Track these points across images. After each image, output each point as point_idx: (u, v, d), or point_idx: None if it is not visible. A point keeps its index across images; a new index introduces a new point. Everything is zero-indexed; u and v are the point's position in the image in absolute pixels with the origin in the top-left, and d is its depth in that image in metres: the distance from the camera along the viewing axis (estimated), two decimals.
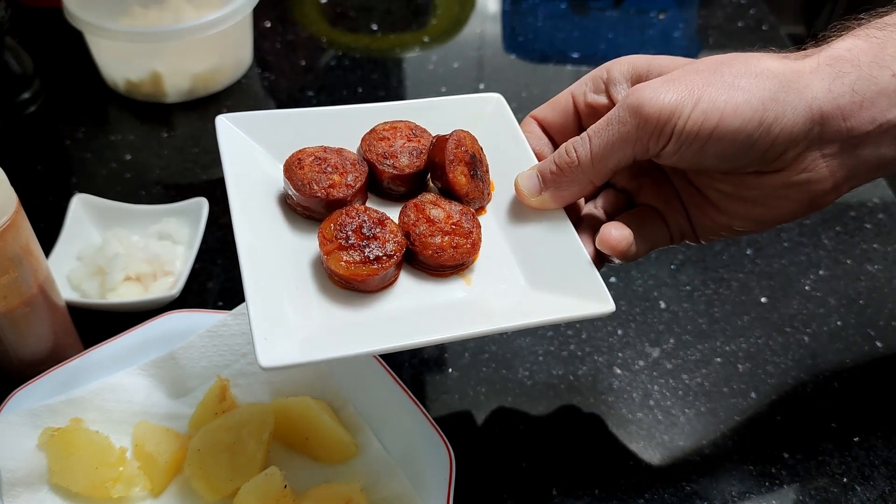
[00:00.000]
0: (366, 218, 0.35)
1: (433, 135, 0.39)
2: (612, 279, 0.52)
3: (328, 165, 0.37)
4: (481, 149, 0.39)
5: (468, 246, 0.35)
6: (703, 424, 0.44)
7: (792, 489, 0.41)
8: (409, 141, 0.38)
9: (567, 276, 0.35)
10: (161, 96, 0.65)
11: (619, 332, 0.49)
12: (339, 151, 0.38)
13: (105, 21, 0.61)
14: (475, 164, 0.38)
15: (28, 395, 0.40)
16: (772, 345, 0.48)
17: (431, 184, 0.39)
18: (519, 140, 0.39)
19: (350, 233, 0.34)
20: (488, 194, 0.39)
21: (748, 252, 0.55)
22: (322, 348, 0.30)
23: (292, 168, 0.36)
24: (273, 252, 0.34)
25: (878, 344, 0.49)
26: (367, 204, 0.38)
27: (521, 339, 0.48)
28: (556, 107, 0.40)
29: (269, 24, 0.77)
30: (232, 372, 0.42)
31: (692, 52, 0.76)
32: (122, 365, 0.42)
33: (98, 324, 0.45)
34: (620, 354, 0.48)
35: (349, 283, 0.34)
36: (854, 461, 0.42)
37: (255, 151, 0.38)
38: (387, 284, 0.34)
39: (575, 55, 0.75)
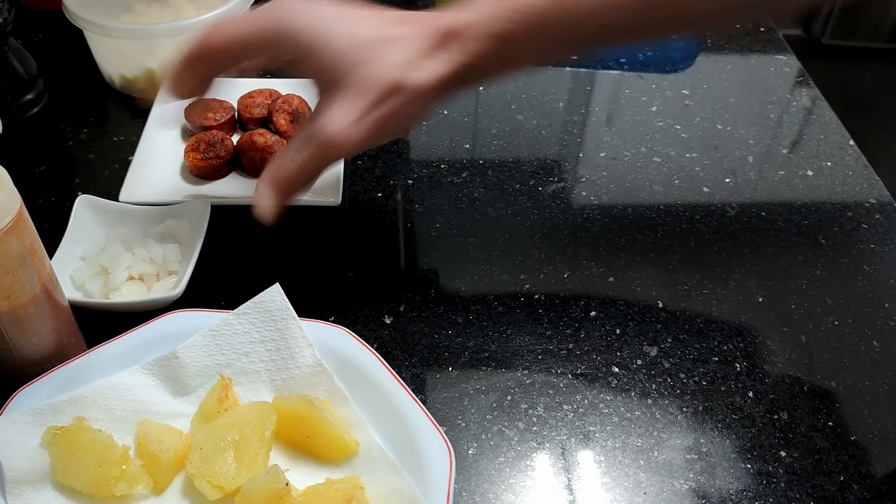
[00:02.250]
0: (212, 136, 0.57)
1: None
2: (610, 279, 0.53)
3: (207, 108, 0.60)
4: (309, 108, 0.60)
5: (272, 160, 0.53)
6: (700, 423, 0.45)
7: (789, 487, 0.42)
8: (265, 100, 0.61)
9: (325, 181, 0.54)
10: (155, 93, 0.65)
11: (618, 331, 0.49)
12: (221, 102, 0.61)
13: (104, 19, 0.61)
14: (296, 114, 0.60)
15: (31, 394, 0.40)
16: (769, 344, 0.49)
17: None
18: None
19: (200, 143, 0.57)
20: None
21: (745, 252, 0.55)
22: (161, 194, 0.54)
23: (188, 108, 0.60)
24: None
25: (875, 343, 0.49)
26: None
27: (520, 339, 0.49)
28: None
29: None
30: (234, 371, 0.43)
31: (690, 52, 0.76)
32: (125, 364, 0.42)
33: (101, 323, 0.45)
34: (619, 353, 0.48)
35: (195, 170, 0.57)
36: (851, 460, 0.43)
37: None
38: (219, 176, 0.58)
39: (573, 57, 0.75)
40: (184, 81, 0.44)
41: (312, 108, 0.58)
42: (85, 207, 0.52)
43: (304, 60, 0.42)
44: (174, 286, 0.48)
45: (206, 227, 0.51)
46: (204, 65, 0.43)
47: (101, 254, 0.50)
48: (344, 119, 0.40)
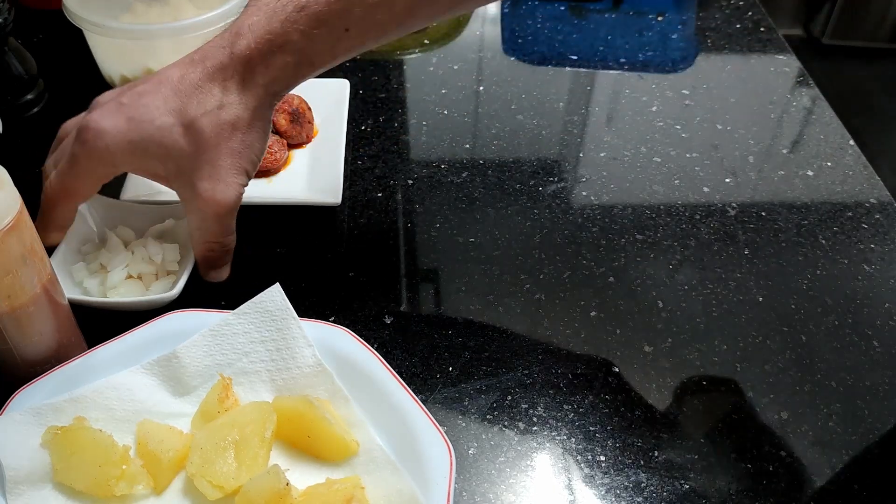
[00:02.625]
0: None
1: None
2: (611, 279, 0.53)
3: None
4: (309, 108, 0.62)
5: (272, 160, 0.58)
6: (700, 423, 0.44)
7: (790, 487, 0.41)
8: None
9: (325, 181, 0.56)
10: None
11: (618, 331, 0.49)
12: None
13: (105, 18, 0.61)
14: (296, 114, 0.60)
15: (32, 394, 0.40)
16: (769, 344, 0.49)
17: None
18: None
19: None
20: (308, 136, 0.62)
21: (745, 252, 0.55)
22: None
23: None
24: None
25: (875, 343, 0.49)
26: None
27: (520, 339, 0.49)
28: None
29: None
30: (234, 371, 0.43)
31: (690, 52, 0.76)
32: (126, 364, 0.42)
33: (101, 323, 0.46)
34: (619, 353, 0.48)
35: None
36: (852, 460, 0.43)
37: None
38: None
39: (574, 57, 0.75)
40: (52, 231, 0.47)
41: (311, 110, 0.63)
42: (85, 205, 0.52)
43: (142, 163, 0.44)
44: (172, 286, 0.48)
45: None
46: (62, 214, 0.47)
47: (100, 252, 0.50)
48: (213, 185, 0.44)
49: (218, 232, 0.46)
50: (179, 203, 0.52)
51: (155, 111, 0.43)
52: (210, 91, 0.43)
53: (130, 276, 0.49)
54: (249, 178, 0.46)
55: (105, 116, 0.43)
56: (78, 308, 0.45)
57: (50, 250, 0.46)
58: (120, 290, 0.48)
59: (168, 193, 0.55)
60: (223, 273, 0.49)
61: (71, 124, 0.49)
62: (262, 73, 0.43)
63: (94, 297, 0.48)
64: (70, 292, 0.46)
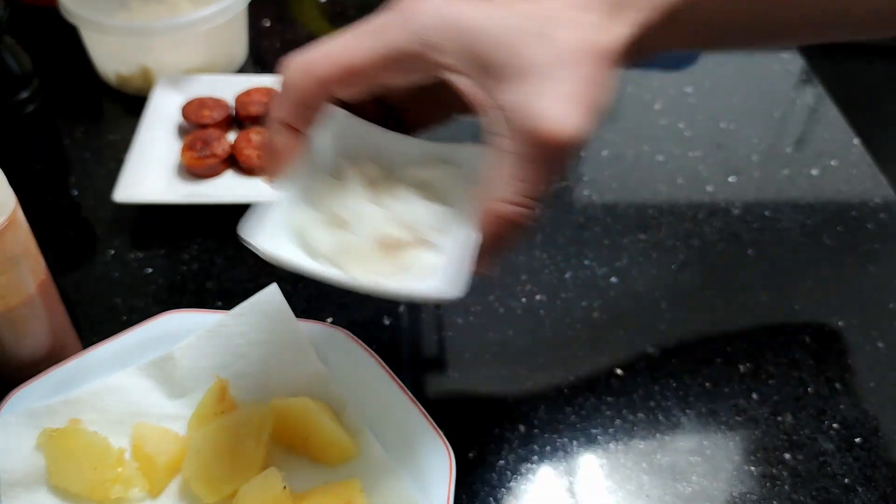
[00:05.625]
0: (208, 134, 0.57)
1: None
2: (613, 279, 0.52)
3: (204, 107, 0.60)
4: None
5: None
6: (704, 425, 0.44)
7: (794, 490, 0.41)
8: (263, 97, 0.60)
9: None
10: (150, 91, 0.65)
11: (621, 332, 0.49)
12: (217, 100, 0.61)
13: (100, 16, 0.61)
14: None
15: (26, 396, 0.40)
16: (773, 345, 0.48)
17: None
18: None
19: (197, 141, 0.57)
20: None
21: (749, 252, 0.55)
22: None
23: (185, 106, 0.61)
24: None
25: (880, 344, 0.48)
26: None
27: (520, 339, 0.48)
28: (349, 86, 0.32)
29: (268, 23, 0.77)
30: (231, 373, 0.42)
31: (694, 51, 0.76)
32: (121, 365, 0.42)
33: (97, 324, 0.45)
34: (622, 355, 0.48)
35: (191, 169, 0.56)
36: (856, 462, 0.42)
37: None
38: (215, 174, 0.57)
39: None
40: (291, 137, 0.33)
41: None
42: (325, 125, 0.34)
43: (471, 63, 0.31)
44: (443, 275, 0.30)
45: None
46: (315, 105, 0.32)
47: (333, 193, 0.34)
48: (564, 109, 0.30)
49: (544, 177, 0.31)
50: (456, 146, 0.36)
51: (506, 13, 0.31)
52: (590, 10, 0.32)
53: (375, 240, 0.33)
54: (595, 126, 0.32)
55: (437, 0, 0.31)
56: (75, 306, 0.44)
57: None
58: (363, 259, 0.32)
59: (161, 193, 0.54)
60: (499, 261, 0.32)
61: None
62: (648, 13, 0.32)
63: (328, 271, 0.32)
64: (284, 245, 0.33)
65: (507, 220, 0.31)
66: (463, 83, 0.31)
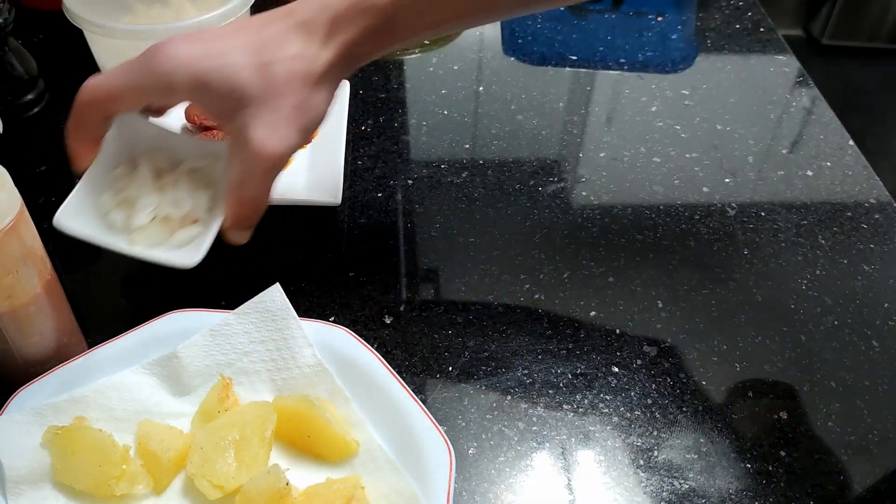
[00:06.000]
0: (212, 136, 0.58)
1: None
2: (610, 279, 0.53)
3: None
4: None
5: None
6: (700, 422, 0.45)
7: (789, 487, 0.42)
8: None
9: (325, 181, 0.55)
10: None
11: (617, 331, 0.49)
12: None
13: (105, 19, 0.61)
14: None
15: (32, 394, 0.40)
16: (769, 344, 0.49)
17: None
18: None
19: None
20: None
21: (745, 252, 0.55)
22: None
23: (189, 109, 0.61)
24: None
25: (875, 343, 0.49)
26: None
27: (520, 338, 0.49)
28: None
29: None
30: (234, 370, 0.43)
31: (690, 53, 0.76)
32: (126, 364, 0.42)
33: (102, 323, 0.46)
34: (618, 353, 0.48)
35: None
36: (851, 459, 0.43)
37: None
38: None
39: (574, 57, 0.75)
40: (80, 141, 0.43)
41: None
42: (122, 124, 0.45)
43: (201, 95, 0.41)
44: (195, 248, 0.43)
45: None
46: (92, 119, 0.43)
47: (130, 181, 0.45)
48: (270, 133, 0.40)
49: (258, 187, 0.42)
50: (223, 144, 0.46)
51: (231, 48, 0.41)
52: (292, 40, 0.41)
53: (156, 217, 0.44)
54: (303, 142, 0.42)
55: (180, 43, 0.41)
56: (77, 305, 0.45)
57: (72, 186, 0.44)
58: (146, 232, 0.44)
59: None
60: (245, 236, 0.45)
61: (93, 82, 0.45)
62: (346, 32, 0.41)
63: (115, 241, 0.43)
64: (93, 224, 0.43)
65: (237, 209, 0.42)
66: (201, 109, 0.42)
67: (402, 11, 0.42)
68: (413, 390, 0.41)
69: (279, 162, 0.41)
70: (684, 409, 0.45)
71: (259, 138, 0.40)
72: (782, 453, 0.43)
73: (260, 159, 0.41)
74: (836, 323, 0.50)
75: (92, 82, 0.42)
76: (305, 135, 0.43)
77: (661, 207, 0.59)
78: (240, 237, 0.44)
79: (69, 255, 0.53)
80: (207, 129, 0.60)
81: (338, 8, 0.41)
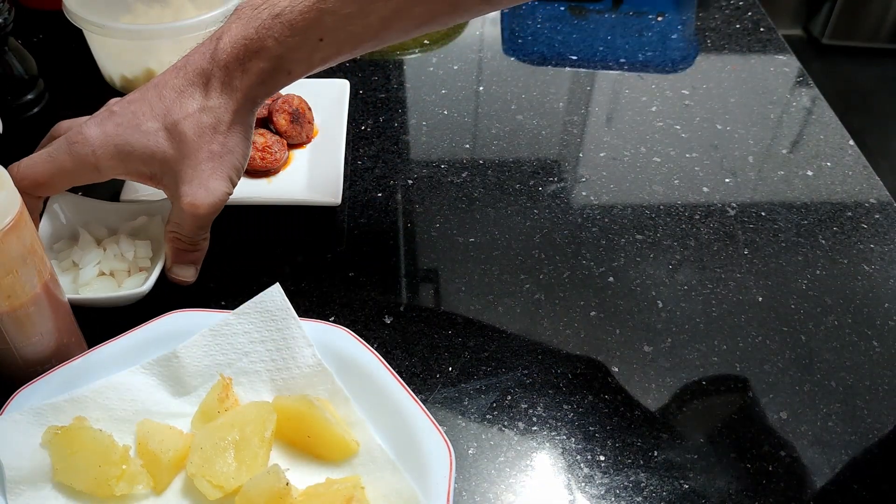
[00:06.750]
0: None
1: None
2: (610, 279, 0.53)
3: None
4: (309, 108, 0.62)
5: (273, 160, 0.58)
6: (700, 423, 0.45)
7: (789, 487, 0.42)
8: (272, 101, 0.61)
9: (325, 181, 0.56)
10: None
11: (618, 331, 0.49)
12: None
13: (105, 19, 0.61)
14: (297, 115, 0.60)
15: (32, 394, 0.40)
16: (769, 344, 0.49)
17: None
18: None
19: None
20: (308, 136, 0.62)
21: (745, 252, 0.55)
22: None
23: None
24: None
25: (875, 343, 0.49)
26: None
27: (520, 339, 0.49)
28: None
29: None
30: (234, 371, 0.43)
31: (690, 53, 0.76)
32: (126, 364, 0.42)
33: (102, 323, 0.46)
34: (618, 353, 0.48)
35: None
36: (851, 460, 0.43)
37: None
38: None
39: (573, 57, 0.75)
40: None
41: (311, 110, 0.63)
42: (57, 202, 0.51)
43: (126, 164, 0.45)
44: (143, 282, 0.48)
45: None
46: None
47: (72, 250, 0.50)
48: (195, 189, 0.44)
49: (191, 231, 0.46)
50: (151, 201, 0.53)
51: (141, 116, 0.44)
52: (192, 95, 0.44)
53: (103, 273, 0.49)
54: (234, 184, 0.46)
55: (94, 124, 0.44)
56: (78, 308, 0.45)
57: None
58: (93, 287, 0.48)
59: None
60: (189, 272, 0.48)
61: (66, 125, 0.49)
62: (241, 77, 0.44)
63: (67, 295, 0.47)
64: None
65: (175, 244, 0.47)
66: (129, 178, 0.46)
67: (290, 53, 0.43)
68: (413, 390, 0.41)
69: (208, 212, 0.45)
70: (684, 409, 0.45)
71: (187, 196, 0.44)
72: (782, 453, 0.43)
73: (190, 215, 0.45)
74: (836, 323, 0.50)
75: (19, 172, 0.45)
76: (236, 176, 0.46)
77: (661, 207, 0.59)
78: (182, 273, 0.48)
79: None
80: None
81: (228, 55, 0.43)
